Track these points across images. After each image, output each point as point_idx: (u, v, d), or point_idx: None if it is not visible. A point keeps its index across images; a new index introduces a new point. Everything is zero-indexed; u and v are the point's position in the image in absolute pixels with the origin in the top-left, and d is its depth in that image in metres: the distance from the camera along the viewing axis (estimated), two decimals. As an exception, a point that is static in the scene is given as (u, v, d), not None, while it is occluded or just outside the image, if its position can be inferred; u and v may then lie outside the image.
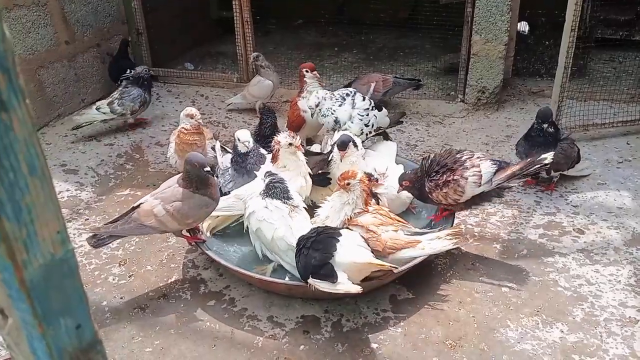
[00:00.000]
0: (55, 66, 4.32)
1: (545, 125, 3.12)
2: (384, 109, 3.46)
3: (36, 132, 0.65)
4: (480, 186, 2.50)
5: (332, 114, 3.28)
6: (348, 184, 2.47)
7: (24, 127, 0.62)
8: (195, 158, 2.45)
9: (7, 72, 0.59)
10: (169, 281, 2.65)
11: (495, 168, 2.49)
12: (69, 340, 0.75)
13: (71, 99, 4.50)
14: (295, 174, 2.74)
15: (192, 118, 3.22)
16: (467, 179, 2.52)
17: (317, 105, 3.33)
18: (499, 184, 2.46)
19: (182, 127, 3.25)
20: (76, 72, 4.53)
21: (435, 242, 2.42)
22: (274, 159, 2.77)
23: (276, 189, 2.51)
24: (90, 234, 2.47)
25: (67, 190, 3.40)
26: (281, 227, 2.45)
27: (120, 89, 4.09)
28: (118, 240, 2.94)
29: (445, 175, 2.57)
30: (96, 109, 4.02)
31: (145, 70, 4.16)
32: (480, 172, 2.51)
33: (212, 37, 6.03)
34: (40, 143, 0.66)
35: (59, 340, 0.74)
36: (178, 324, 2.40)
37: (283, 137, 2.71)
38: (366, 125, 3.28)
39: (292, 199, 2.54)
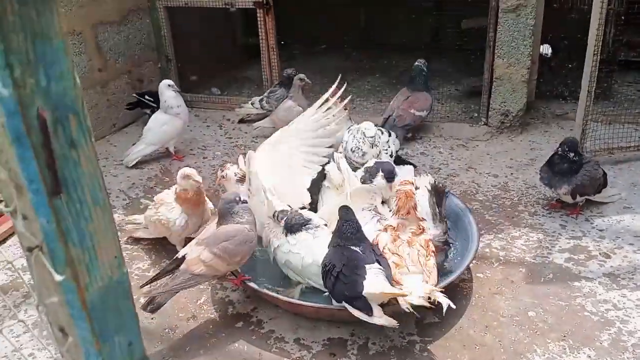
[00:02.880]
0: (89, 92, 4.49)
1: (564, 152, 3.17)
2: (392, 133, 3.59)
3: (99, 166, 0.72)
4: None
5: (386, 149, 3.39)
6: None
7: (89, 163, 0.70)
8: (232, 196, 2.56)
9: (78, 115, 0.66)
10: (198, 302, 2.71)
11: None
12: (122, 357, 0.81)
13: (103, 124, 4.66)
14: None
15: (189, 178, 2.88)
16: None
17: (373, 136, 3.33)
18: None
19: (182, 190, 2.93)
20: (108, 98, 4.70)
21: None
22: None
23: (295, 223, 2.57)
24: (145, 300, 2.47)
25: (100, 213, 3.50)
26: (307, 255, 2.51)
27: (271, 88, 4.76)
28: (148, 262, 3.03)
29: None
30: (251, 103, 4.74)
31: (294, 72, 4.56)
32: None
33: (238, 62, 6.19)
34: (103, 176, 0.73)
35: (114, 357, 0.80)
36: (207, 345, 2.45)
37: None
38: (391, 156, 3.41)
39: (310, 221, 2.60)
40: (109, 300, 0.77)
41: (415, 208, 2.54)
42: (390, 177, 2.88)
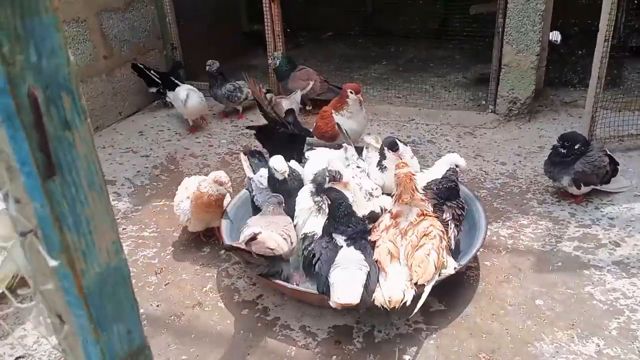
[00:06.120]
0: (94, 80, 4.47)
1: (560, 145, 3.18)
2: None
3: (95, 149, 0.69)
4: None
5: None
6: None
7: (85, 144, 0.67)
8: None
9: (72, 94, 0.64)
10: (204, 290, 2.70)
11: None
12: (120, 345, 0.79)
13: (109, 112, 4.64)
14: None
15: (220, 185, 2.79)
16: None
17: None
18: None
19: (207, 192, 2.80)
20: (114, 86, 4.68)
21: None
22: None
23: (320, 181, 2.72)
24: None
25: (105, 201, 3.50)
26: (296, 218, 2.67)
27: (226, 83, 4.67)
28: (154, 250, 3.02)
29: None
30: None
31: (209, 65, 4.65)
32: None
33: (243, 50, 6.15)
34: (99, 159, 0.70)
35: (112, 345, 0.78)
36: (212, 332, 2.44)
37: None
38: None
39: (321, 199, 2.63)
40: (106, 287, 0.74)
41: (416, 189, 2.47)
42: (393, 147, 2.95)
